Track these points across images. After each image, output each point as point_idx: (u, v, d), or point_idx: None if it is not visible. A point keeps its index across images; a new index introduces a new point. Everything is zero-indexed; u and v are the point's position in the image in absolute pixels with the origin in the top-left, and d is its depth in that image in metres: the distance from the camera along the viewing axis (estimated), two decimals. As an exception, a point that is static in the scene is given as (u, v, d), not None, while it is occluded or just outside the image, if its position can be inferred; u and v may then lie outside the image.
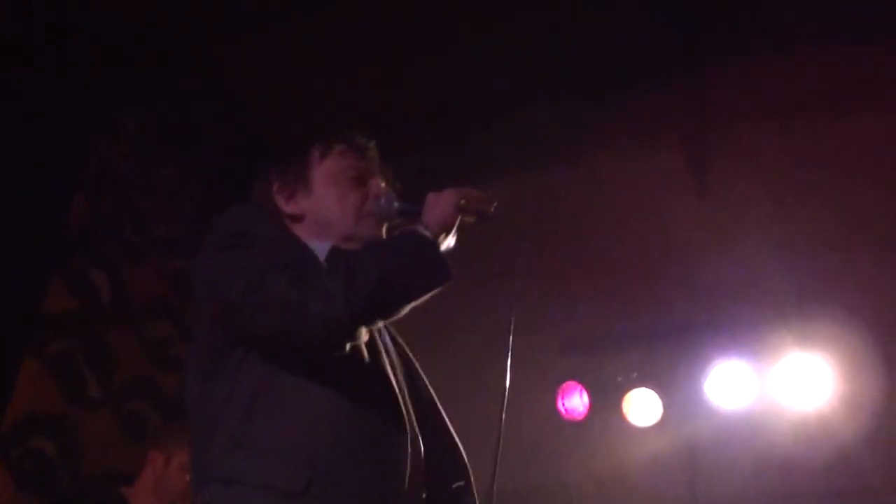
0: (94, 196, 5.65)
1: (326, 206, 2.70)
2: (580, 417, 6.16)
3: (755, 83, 5.78)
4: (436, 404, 2.67)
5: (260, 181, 2.77)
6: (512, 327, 2.76)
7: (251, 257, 2.41)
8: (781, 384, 5.97)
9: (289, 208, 2.71)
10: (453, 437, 2.65)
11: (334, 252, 2.58)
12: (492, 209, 2.63)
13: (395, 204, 2.71)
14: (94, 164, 5.63)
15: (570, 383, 6.16)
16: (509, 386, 2.75)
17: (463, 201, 2.58)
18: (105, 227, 5.70)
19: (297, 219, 2.70)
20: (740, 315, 6.10)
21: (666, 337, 6.22)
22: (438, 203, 2.58)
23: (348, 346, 2.38)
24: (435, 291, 2.44)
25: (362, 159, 2.77)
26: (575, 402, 6.16)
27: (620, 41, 5.61)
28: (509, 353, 2.75)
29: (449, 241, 2.59)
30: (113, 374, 5.56)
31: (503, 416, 2.70)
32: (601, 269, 6.25)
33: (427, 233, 2.50)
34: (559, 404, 6.13)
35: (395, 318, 2.47)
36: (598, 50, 5.64)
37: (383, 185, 2.77)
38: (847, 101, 5.80)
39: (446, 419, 2.66)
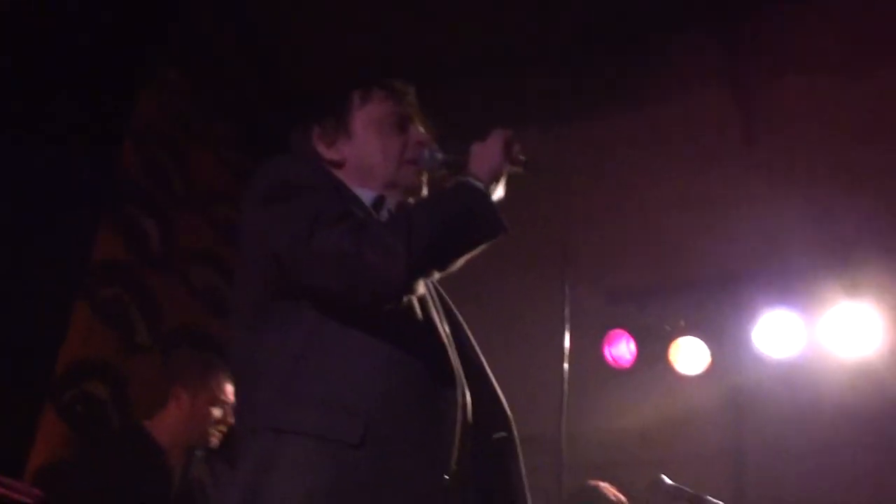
0: (144, 146, 5.70)
1: (368, 152, 2.68)
2: (627, 365, 6.16)
3: (804, 27, 5.68)
4: (478, 355, 2.65)
5: (299, 129, 2.75)
6: (567, 280, 2.75)
7: (300, 207, 2.39)
8: (830, 333, 5.95)
9: (330, 154, 2.69)
10: (495, 388, 2.63)
11: (382, 201, 2.61)
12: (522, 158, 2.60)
13: (439, 155, 2.70)
14: (142, 114, 5.67)
15: (617, 331, 6.16)
16: (567, 335, 2.73)
17: (510, 149, 2.57)
18: (154, 177, 5.75)
19: (339, 165, 2.68)
20: (788, 264, 6.05)
21: (713, 286, 6.20)
22: (486, 153, 2.56)
23: (405, 299, 2.38)
24: (489, 242, 2.44)
25: (402, 105, 2.75)
26: (622, 349, 6.16)
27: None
28: (566, 301, 2.71)
29: (499, 191, 2.57)
30: (161, 321, 5.62)
31: (566, 364, 2.69)
32: (650, 217, 6.22)
33: (479, 184, 2.48)
34: (605, 352, 6.14)
35: (451, 270, 2.46)
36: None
37: (423, 131, 2.75)
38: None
39: (488, 370, 2.64)
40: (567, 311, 2.78)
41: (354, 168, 2.68)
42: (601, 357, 6.13)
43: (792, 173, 6.00)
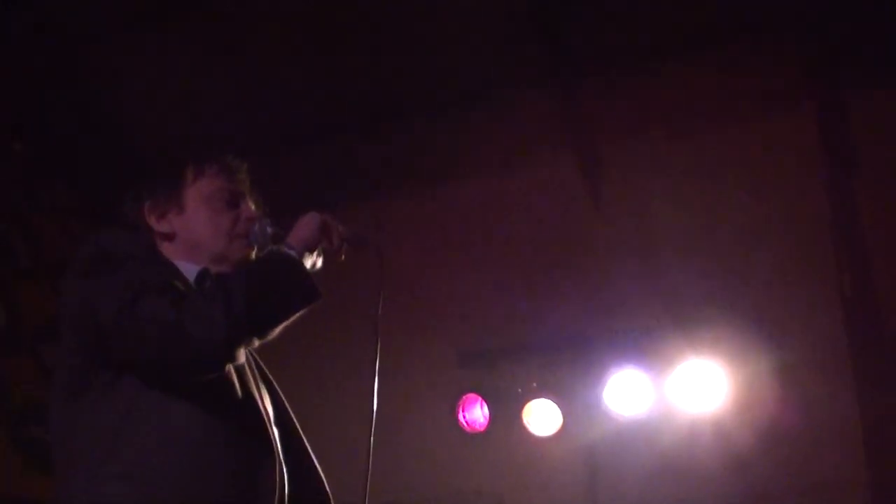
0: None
1: (198, 227, 2.71)
2: (481, 429, 6.20)
3: (633, 93, 5.88)
4: (296, 427, 2.69)
5: (132, 199, 2.76)
6: (378, 345, 2.75)
7: (123, 279, 2.41)
8: (677, 390, 6.08)
9: (160, 227, 2.71)
10: (313, 461, 2.68)
11: (206, 275, 2.62)
12: (343, 250, 2.68)
13: (269, 229, 2.73)
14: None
15: (471, 395, 6.20)
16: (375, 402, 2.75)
17: (328, 229, 2.64)
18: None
19: (169, 237, 2.71)
20: (636, 323, 6.20)
21: (564, 347, 6.30)
22: (301, 225, 2.63)
23: (226, 368, 2.41)
24: (306, 309, 2.49)
25: (234, 181, 2.79)
26: (476, 413, 6.20)
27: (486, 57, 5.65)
28: (376, 372, 2.75)
29: (316, 262, 2.65)
30: (9, 400, 5.48)
31: (372, 437, 2.71)
32: (497, 282, 6.31)
33: (291, 252, 2.53)
34: (460, 417, 6.17)
35: (269, 338, 2.49)
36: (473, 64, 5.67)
37: (254, 207, 2.79)
38: (733, 110, 5.93)
39: (306, 442, 2.69)
40: (376, 383, 2.78)
41: (184, 242, 2.70)
42: (456, 422, 6.16)
43: (638, 235, 6.16)
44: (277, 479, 2.45)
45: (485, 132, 6.03)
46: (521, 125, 5.92)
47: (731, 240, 6.13)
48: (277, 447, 2.51)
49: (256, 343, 2.48)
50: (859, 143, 6.06)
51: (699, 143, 6.11)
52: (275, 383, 2.74)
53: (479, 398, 6.20)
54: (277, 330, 2.49)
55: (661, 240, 6.21)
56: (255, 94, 5.77)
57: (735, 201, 6.12)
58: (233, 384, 2.48)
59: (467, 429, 6.19)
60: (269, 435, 2.50)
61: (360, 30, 5.62)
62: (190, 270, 2.63)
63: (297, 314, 2.48)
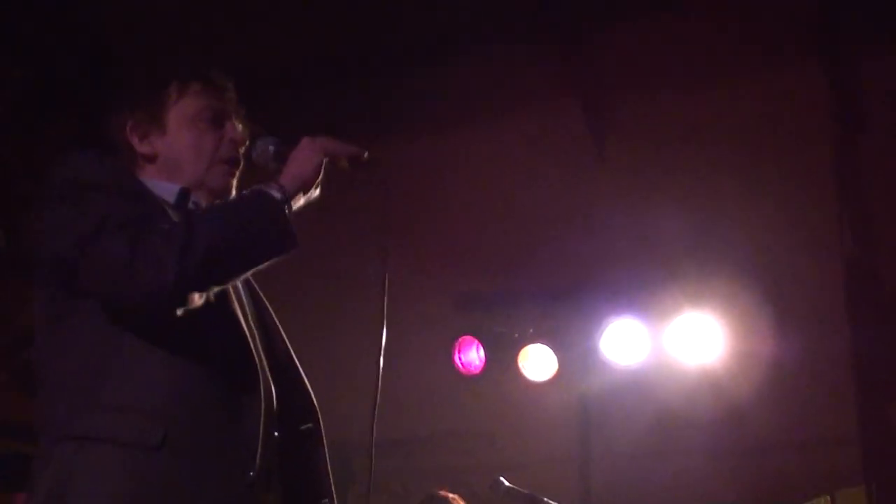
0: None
1: (179, 149, 2.62)
2: (476, 371, 6.24)
3: (645, 49, 5.87)
4: (286, 346, 2.65)
5: (115, 115, 2.69)
6: (386, 283, 2.63)
7: (87, 211, 2.33)
8: (674, 342, 6.10)
9: (142, 148, 2.63)
10: (303, 379, 2.64)
11: (186, 195, 2.55)
12: (364, 156, 2.55)
13: (271, 148, 2.62)
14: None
15: (467, 338, 6.24)
16: (384, 345, 2.63)
17: (332, 156, 2.52)
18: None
19: (150, 159, 2.63)
20: (635, 274, 6.21)
21: (562, 294, 6.33)
22: (300, 156, 2.50)
23: (180, 312, 2.31)
24: (278, 259, 2.38)
25: (220, 100, 2.67)
26: (471, 356, 6.24)
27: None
28: (384, 308, 2.61)
29: (311, 194, 2.51)
30: (10, 322, 5.52)
31: (379, 377, 2.63)
32: (500, 227, 6.32)
33: (277, 194, 2.41)
34: (456, 358, 6.21)
35: (233, 282, 2.44)
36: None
37: (240, 128, 2.69)
38: (739, 64, 5.90)
39: (296, 360, 2.65)
40: (385, 310, 2.66)
41: (165, 163, 2.62)
42: (452, 363, 6.20)
43: (638, 187, 6.17)
44: (264, 400, 2.42)
45: (485, 80, 6.00)
46: (524, 74, 5.90)
47: (731, 193, 6.11)
48: (262, 367, 2.47)
49: (215, 288, 2.38)
50: (868, 102, 6.03)
51: (703, 97, 6.08)
52: (267, 304, 2.68)
53: (476, 341, 6.23)
54: (243, 276, 2.43)
55: (660, 192, 6.20)
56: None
57: (737, 155, 6.11)
58: (213, 308, 2.40)
59: (463, 371, 6.23)
60: (254, 357, 2.45)
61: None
62: (171, 190, 2.55)
63: (267, 263, 2.38)
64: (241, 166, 2.68)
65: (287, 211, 2.41)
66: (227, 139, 2.65)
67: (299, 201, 2.47)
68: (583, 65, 6.02)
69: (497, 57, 5.74)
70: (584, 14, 5.74)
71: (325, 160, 2.50)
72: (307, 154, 2.50)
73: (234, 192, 2.64)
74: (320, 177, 2.49)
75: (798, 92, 6.00)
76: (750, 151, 6.11)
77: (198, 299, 2.32)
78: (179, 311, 2.31)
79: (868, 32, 5.92)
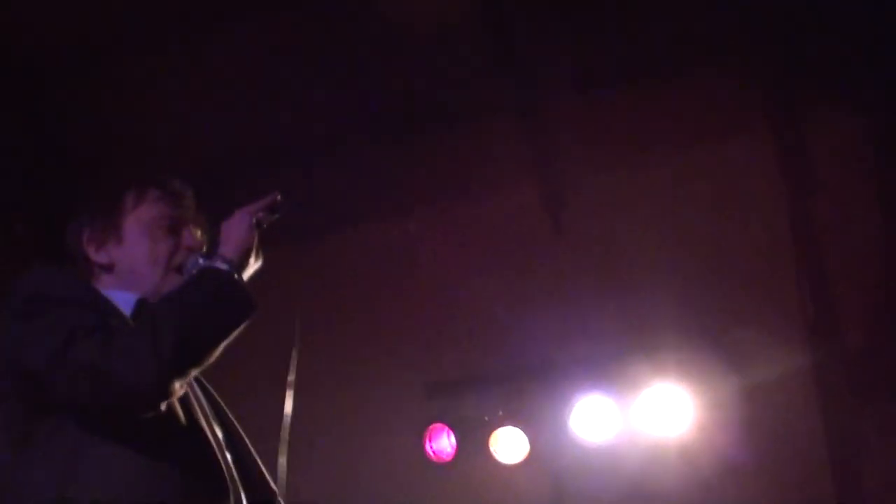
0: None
1: (135, 257, 2.61)
2: (448, 458, 6.19)
3: (594, 119, 5.92)
4: (248, 449, 2.64)
5: (71, 226, 2.68)
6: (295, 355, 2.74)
7: (55, 323, 2.32)
8: (643, 415, 6.09)
9: (98, 258, 2.62)
10: (266, 479, 2.63)
11: (143, 305, 2.54)
12: (278, 197, 2.60)
13: (200, 261, 2.60)
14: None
15: (437, 425, 6.19)
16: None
17: (256, 216, 2.57)
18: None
19: (107, 268, 2.62)
20: (601, 349, 6.20)
21: (529, 375, 6.30)
22: (231, 229, 2.54)
23: (164, 405, 2.31)
24: (243, 326, 2.40)
25: (178, 207, 2.68)
26: (443, 443, 6.19)
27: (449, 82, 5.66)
28: (293, 378, 2.73)
29: (255, 264, 2.57)
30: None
31: (285, 454, 2.68)
32: (461, 311, 6.30)
33: (223, 266, 2.45)
34: (427, 447, 6.16)
35: (209, 363, 2.41)
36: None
37: (199, 233, 2.68)
38: (699, 131, 5.97)
39: (259, 462, 2.64)
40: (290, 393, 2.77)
41: (121, 272, 2.61)
42: (423, 451, 6.15)
43: (599, 261, 6.18)
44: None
45: (449, 160, 6.02)
46: (484, 153, 5.92)
47: (693, 263, 6.15)
48: (230, 474, 2.46)
49: (195, 370, 2.39)
50: (818, 165, 6.12)
51: (662, 168, 6.14)
52: (221, 403, 2.68)
53: (446, 427, 6.19)
54: (217, 353, 2.40)
55: (623, 265, 6.23)
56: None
57: (697, 225, 6.16)
58: (177, 418, 2.41)
59: (434, 458, 6.17)
60: (220, 464, 2.44)
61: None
62: (128, 301, 2.54)
63: (236, 332, 2.39)
64: None
65: (237, 277, 2.46)
66: (184, 247, 2.64)
67: (248, 270, 2.53)
68: (537, 139, 6.06)
69: (452, 135, 5.75)
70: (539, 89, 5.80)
71: (254, 220, 2.55)
72: (236, 221, 2.56)
73: None
74: (255, 240, 2.55)
75: (752, 160, 6.08)
76: (711, 220, 6.17)
77: (179, 389, 2.32)
78: (163, 406, 2.31)
79: (810, 93, 6.02)
